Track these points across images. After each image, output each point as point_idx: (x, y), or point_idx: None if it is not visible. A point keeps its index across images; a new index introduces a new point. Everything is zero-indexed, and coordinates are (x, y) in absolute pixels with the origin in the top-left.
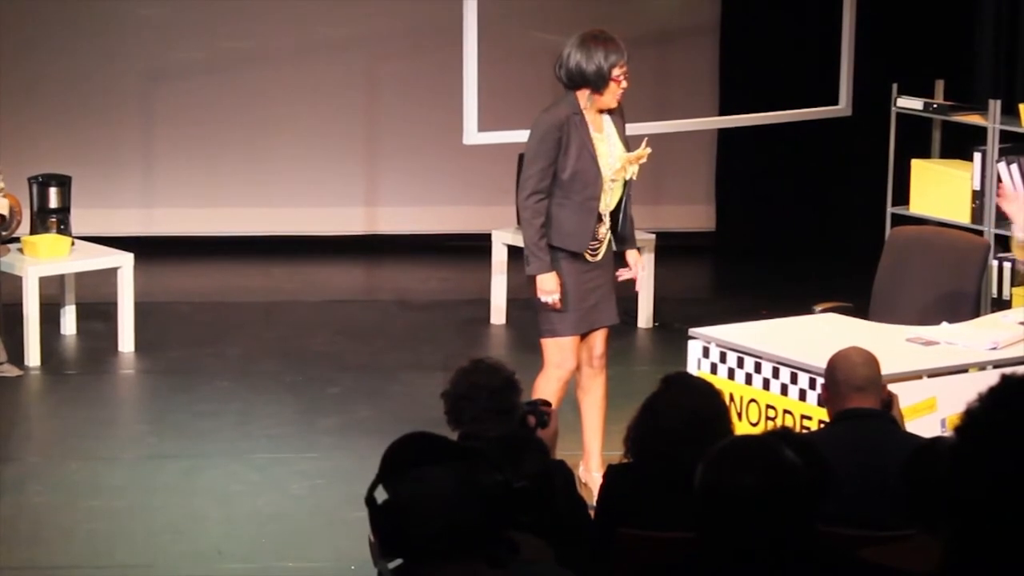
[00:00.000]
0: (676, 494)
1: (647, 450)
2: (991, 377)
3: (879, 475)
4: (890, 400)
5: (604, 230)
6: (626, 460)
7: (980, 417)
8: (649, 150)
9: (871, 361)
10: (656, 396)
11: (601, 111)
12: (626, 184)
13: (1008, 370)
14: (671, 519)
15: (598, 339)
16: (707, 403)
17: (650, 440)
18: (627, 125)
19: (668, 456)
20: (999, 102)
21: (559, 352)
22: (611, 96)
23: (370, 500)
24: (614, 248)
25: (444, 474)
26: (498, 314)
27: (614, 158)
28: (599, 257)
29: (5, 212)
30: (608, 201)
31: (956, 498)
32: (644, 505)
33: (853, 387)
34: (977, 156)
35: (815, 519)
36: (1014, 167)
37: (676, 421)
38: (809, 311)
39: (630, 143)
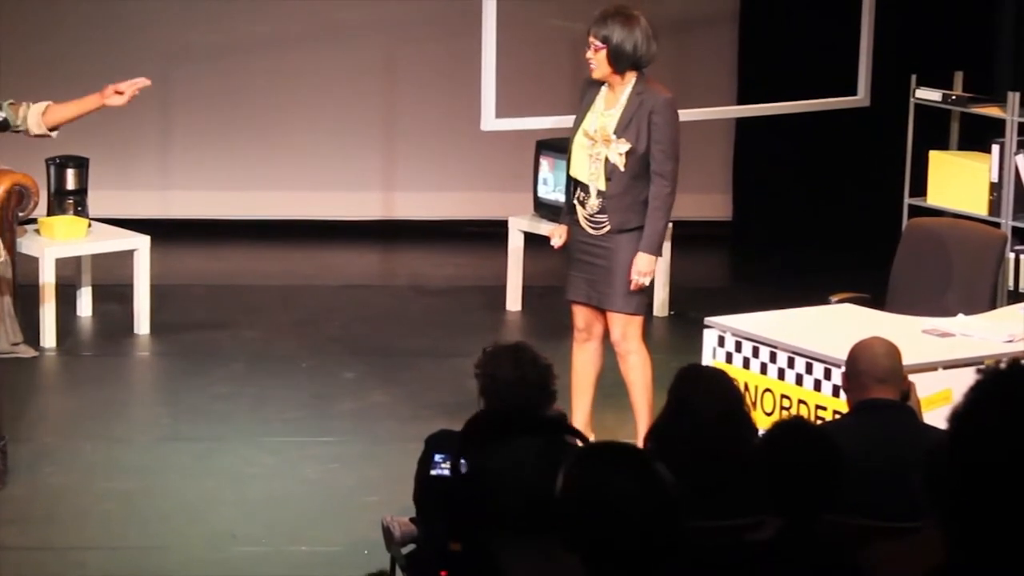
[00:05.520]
0: (696, 485)
1: (668, 443)
2: None
3: (897, 466)
4: (908, 390)
5: (593, 204)
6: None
7: (967, 412)
8: (617, 143)
9: (893, 352)
10: (677, 389)
11: (608, 83)
12: (612, 168)
13: (991, 360)
14: (688, 510)
15: (610, 323)
16: (727, 395)
17: (673, 433)
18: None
19: (690, 449)
20: (1018, 94)
21: (572, 314)
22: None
23: (424, 476)
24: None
25: (528, 446)
26: (514, 301)
27: (588, 131)
28: (593, 232)
29: None
30: (581, 171)
31: (953, 492)
32: None
33: (874, 378)
34: (995, 148)
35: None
36: None
37: (699, 414)
38: (825, 301)
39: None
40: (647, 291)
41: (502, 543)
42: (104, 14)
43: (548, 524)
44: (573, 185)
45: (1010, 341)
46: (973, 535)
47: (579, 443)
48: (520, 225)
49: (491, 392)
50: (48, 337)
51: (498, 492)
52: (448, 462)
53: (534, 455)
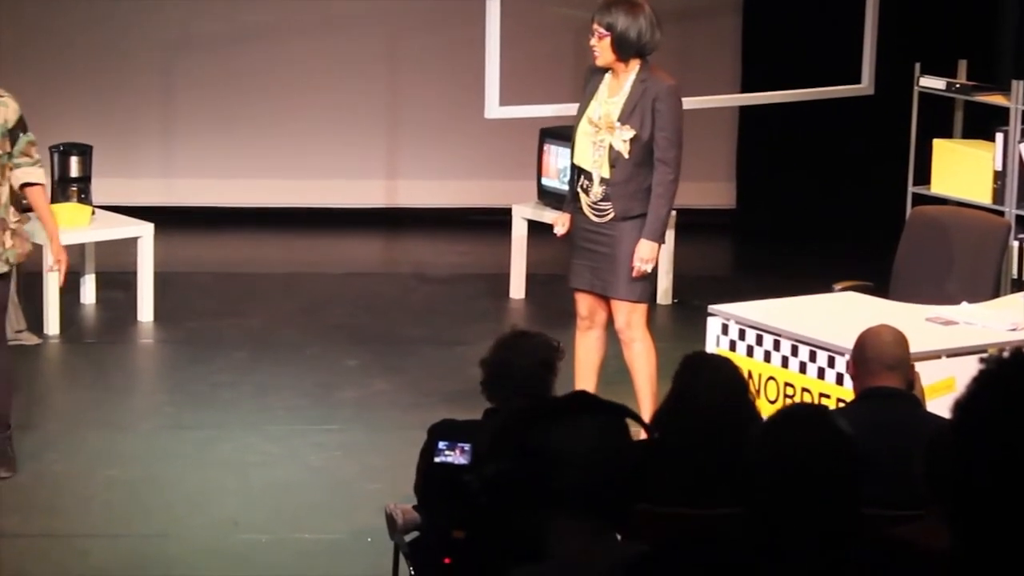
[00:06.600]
0: (701, 472)
1: (672, 430)
2: None
3: (901, 455)
4: (912, 379)
5: (597, 191)
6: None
7: (970, 401)
8: (622, 130)
9: (902, 341)
10: (681, 377)
11: (612, 71)
12: (616, 155)
13: (994, 348)
14: (693, 496)
15: (614, 310)
16: (731, 383)
17: (677, 420)
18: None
19: (694, 436)
20: (1022, 82)
21: (575, 301)
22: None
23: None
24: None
25: (588, 426)
26: (517, 288)
27: (592, 119)
28: (597, 220)
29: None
30: (585, 158)
31: (956, 481)
32: (664, 483)
33: (883, 365)
34: (999, 136)
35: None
36: None
37: (702, 401)
38: (829, 290)
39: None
40: (651, 278)
41: (553, 518)
42: (107, 3)
43: (603, 503)
44: (577, 173)
45: (1014, 329)
46: (975, 524)
47: (637, 425)
48: (524, 213)
49: (494, 378)
50: (52, 325)
51: (558, 469)
52: (452, 450)
53: (594, 435)
